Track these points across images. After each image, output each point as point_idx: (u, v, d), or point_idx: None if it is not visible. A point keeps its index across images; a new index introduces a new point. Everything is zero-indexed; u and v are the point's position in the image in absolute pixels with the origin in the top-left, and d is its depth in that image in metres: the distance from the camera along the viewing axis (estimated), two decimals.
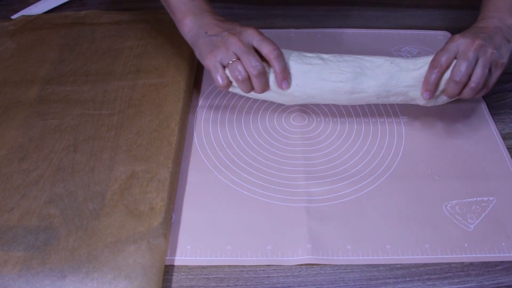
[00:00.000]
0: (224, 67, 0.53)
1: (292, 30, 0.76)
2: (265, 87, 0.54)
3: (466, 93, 0.52)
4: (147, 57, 0.67)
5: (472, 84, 0.51)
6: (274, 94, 0.55)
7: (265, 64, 0.53)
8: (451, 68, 0.52)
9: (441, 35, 0.75)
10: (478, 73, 0.50)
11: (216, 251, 0.47)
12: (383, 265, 0.46)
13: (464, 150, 0.56)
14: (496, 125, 0.60)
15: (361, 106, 0.63)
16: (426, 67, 0.53)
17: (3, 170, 0.52)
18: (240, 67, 0.52)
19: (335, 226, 0.49)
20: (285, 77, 0.53)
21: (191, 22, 0.56)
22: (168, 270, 0.46)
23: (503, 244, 0.47)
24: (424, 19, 0.79)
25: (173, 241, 0.47)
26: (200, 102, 0.63)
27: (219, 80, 0.53)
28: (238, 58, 0.52)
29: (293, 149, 0.57)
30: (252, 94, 0.56)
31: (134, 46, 0.69)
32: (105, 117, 0.58)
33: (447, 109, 0.61)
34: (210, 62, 0.54)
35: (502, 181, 0.53)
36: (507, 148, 0.57)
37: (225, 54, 0.53)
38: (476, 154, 0.56)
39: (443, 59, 0.51)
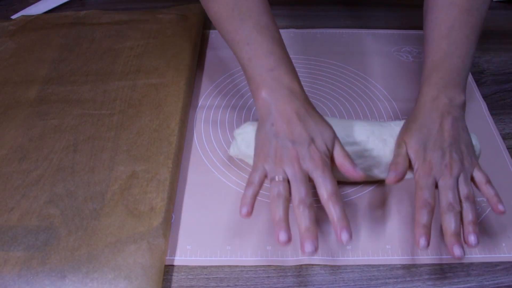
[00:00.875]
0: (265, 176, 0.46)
1: (292, 30, 0.76)
2: (312, 225, 0.42)
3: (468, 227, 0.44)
4: (147, 57, 0.67)
5: (469, 218, 0.44)
6: None
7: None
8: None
9: None
10: (466, 193, 0.45)
11: (216, 251, 0.47)
12: (383, 265, 0.46)
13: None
14: (496, 125, 0.60)
15: (360, 106, 0.63)
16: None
17: (3, 170, 0.52)
18: (282, 189, 0.44)
19: None
20: (344, 225, 0.42)
21: (264, 99, 0.48)
22: (168, 270, 0.46)
23: (503, 244, 0.47)
24: None
25: (173, 241, 0.47)
26: (200, 102, 0.63)
27: (254, 179, 0.46)
28: (287, 180, 0.45)
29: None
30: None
31: (134, 46, 0.69)
32: (105, 117, 0.58)
33: None
34: (257, 162, 0.47)
35: (502, 182, 0.53)
36: (507, 148, 0.57)
37: (274, 167, 0.45)
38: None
39: (429, 197, 0.45)
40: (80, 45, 0.70)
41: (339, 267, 0.46)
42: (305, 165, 0.45)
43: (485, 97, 0.64)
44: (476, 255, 0.46)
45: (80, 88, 0.62)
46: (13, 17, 0.78)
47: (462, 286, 0.45)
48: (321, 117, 0.48)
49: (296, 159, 0.45)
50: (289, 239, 0.42)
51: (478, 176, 0.47)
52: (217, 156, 0.56)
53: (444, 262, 0.46)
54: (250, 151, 0.50)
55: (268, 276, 0.45)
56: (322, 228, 0.49)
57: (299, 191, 0.44)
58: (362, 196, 0.52)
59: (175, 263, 0.46)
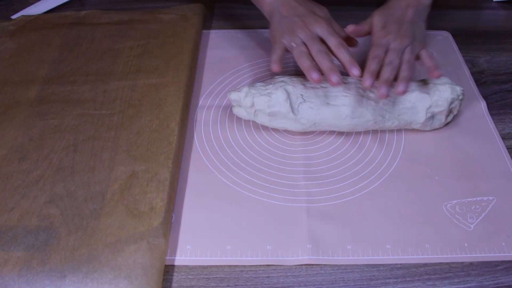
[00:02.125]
0: (286, 50, 0.57)
1: None
2: (331, 62, 0.54)
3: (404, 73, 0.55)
4: (147, 57, 0.67)
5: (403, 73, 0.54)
6: (285, 121, 0.56)
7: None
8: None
9: (441, 35, 0.75)
10: (407, 58, 0.55)
11: (216, 251, 0.47)
12: (383, 265, 0.46)
13: (464, 150, 0.56)
14: (496, 125, 0.60)
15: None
16: (417, 90, 0.56)
17: (3, 170, 0.52)
18: (303, 48, 0.55)
19: (335, 226, 0.49)
20: (354, 64, 0.53)
21: (269, 1, 0.61)
22: (168, 270, 0.46)
23: (503, 243, 0.47)
24: None
25: (173, 241, 0.47)
26: (200, 102, 0.63)
27: (277, 49, 0.57)
28: (304, 43, 0.56)
29: (293, 149, 0.57)
30: (265, 122, 0.58)
31: (134, 46, 0.69)
32: (105, 117, 0.58)
33: None
34: (275, 41, 0.58)
35: (502, 181, 0.53)
36: (507, 148, 0.57)
37: (290, 38, 0.56)
38: (476, 154, 0.56)
39: (380, 53, 0.55)
40: (80, 45, 0.70)
41: (339, 267, 0.46)
42: (313, 29, 0.57)
43: (485, 97, 0.64)
44: (476, 254, 0.46)
45: (80, 88, 0.62)
46: (13, 17, 0.78)
47: (462, 286, 0.45)
48: (316, 2, 0.62)
49: (305, 26, 0.57)
50: (320, 78, 0.53)
51: (423, 53, 0.58)
52: (217, 156, 0.56)
53: (444, 262, 0.46)
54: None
55: (268, 276, 0.45)
56: (322, 228, 0.49)
57: (315, 46, 0.55)
58: (362, 195, 0.52)
59: (175, 263, 0.46)
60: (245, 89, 0.56)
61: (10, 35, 0.72)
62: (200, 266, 0.46)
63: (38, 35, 0.72)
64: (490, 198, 0.51)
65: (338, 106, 0.55)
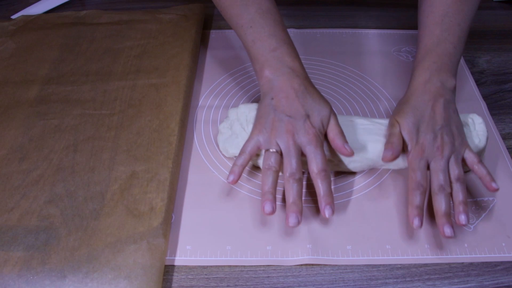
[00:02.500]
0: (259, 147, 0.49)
1: (292, 30, 0.76)
2: (298, 199, 0.46)
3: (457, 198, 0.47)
4: (147, 57, 0.67)
5: (459, 196, 0.47)
6: None
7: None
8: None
9: None
10: (456, 174, 0.47)
11: (216, 251, 0.47)
12: (383, 265, 0.46)
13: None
14: (496, 125, 0.60)
15: (360, 106, 0.63)
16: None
17: (3, 170, 0.52)
18: (274, 161, 0.47)
19: (335, 226, 0.49)
20: (328, 202, 0.46)
21: (267, 77, 0.51)
22: (168, 270, 0.46)
23: (503, 244, 0.47)
24: None
25: (173, 241, 0.47)
26: (200, 102, 0.63)
27: (246, 148, 0.49)
28: (280, 152, 0.48)
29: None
30: None
31: (134, 46, 0.69)
32: (105, 117, 0.58)
33: None
34: (253, 133, 0.50)
35: (502, 181, 0.53)
36: (507, 148, 0.57)
37: (268, 139, 0.49)
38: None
39: (421, 179, 0.47)
40: (80, 45, 0.70)
41: (339, 267, 0.46)
42: (299, 139, 0.48)
43: (485, 97, 0.64)
44: (476, 255, 0.46)
45: (80, 88, 0.62)
46: (13, 17, 0.78)
47: (462, 286, 0.45)
48: (319, 95, 0.51)
49: (291, 133, 0.48)
50: (273, 211, 0.45)
51: (469, 156, 0.49)
52: (217, 156, 0.56)
53: (444, 262, 0.46)
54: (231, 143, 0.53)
55: (268, 276, 0.45)
56: (322, 228, 0.49)
57: (290, 164, 0.47)
58: (362, 196, 0.52)
59: (175, 263, 0.46)
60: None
61: (10, 35, 0.72)
62: (200, 266, 0.46)
63: (38, 35, 0.72)
64: (490, 198, 0.51)
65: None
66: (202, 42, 0.73)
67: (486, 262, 0.46)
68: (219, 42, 0.74)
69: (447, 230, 0.45)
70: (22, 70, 0.65)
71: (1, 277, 0.43)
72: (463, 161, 0.49)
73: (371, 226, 0.49)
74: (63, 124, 0.57)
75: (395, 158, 0.48)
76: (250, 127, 0.53)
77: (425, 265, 0.46)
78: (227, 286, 0.45)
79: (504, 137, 0.58)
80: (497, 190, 0.48)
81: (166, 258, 0.46)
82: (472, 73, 0.68)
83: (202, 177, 0.54)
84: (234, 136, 0.54)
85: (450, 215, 0.46)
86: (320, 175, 0.47)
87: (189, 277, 0.45)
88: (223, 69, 0.68)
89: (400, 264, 0.46)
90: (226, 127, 0.55)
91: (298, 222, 0.45)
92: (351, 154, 0.49)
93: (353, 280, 0.45)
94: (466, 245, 0.47)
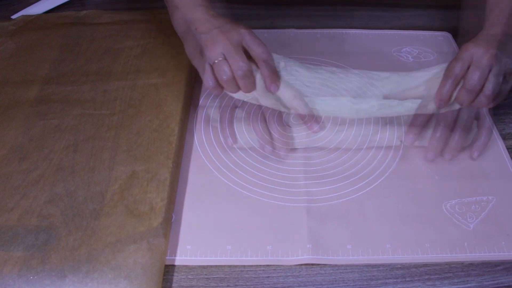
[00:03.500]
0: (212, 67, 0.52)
1: (292, 30, 0.76)
2: (251, 87, 0.52)
3: (480, 101, 0.51)
4: (147, 57, 0.67)
5: (486, 92, 0.50)
6: (269, 100, 0.54)
7: (253, 65, 0.52)
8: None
9: (441, 36, 0.75)
10: (492, 82, 0.50)
11: (216, 251, 0.47)
12: (383, 265, 0.46)
13: (464, 149, 0.56)
14: (496, 125, 0.60)
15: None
16: (433, 75, 0.54)
17: (3, 170, 0.52)
18: (225, 67, 0.51)
19: (335, 225, 0.49)
20: (274, 80, 0.52)
21: (182, 16, 0.55)
22: (168, 270, 0.46)
23: (503, 243, 0.47)
24: (424, 19, 0.79)
25: (173, 241, 0.47)
26: (200, 102, 0.63)
27: (208, 81, 0.52)
28: (225, 58, 0.51)
29: (293, 149, 0.57)
30: (250, 98, 0.55)
31: (134, 46, 0.69)
32: (105, 117, 0.58)
33: None
34: (198, 62, 0.53)
35: (502, 180, 0.53)
36: (507, 148, 0.57)
37: (211, 54, 0.51)
38: None
39: (457, 68, 0.51)
40: (80, 45, 0.70)
41: (339, 267, 0.46)
42: (234, 38, 0.51)
43: None
44: (476, 254, 0.46)
45: (80, 88, 0.62)
46: (13, 17, 0.77)
47: (462, 286, 0.45)
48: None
49: (224, 35, 0.51)
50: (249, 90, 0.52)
51: (484, 119, 0.54)
52: (217, 156, 0.56)
53: (443, 262, 0.46)
54: None
55: (268, 276, 0.45)
56: (322, 228, 0.49)
57: (236, 64, 0.50)
58: (362, 195, 0.52)
59: (175, 263, 0.46)
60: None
61: (10, 35, 0.72)
62: (200, 266, 0.46)
63: (38, 35, 0.72)
64: (490, 197, 0.51)
65: (339, 89, 0.55)
66: None
67: (486, 262, 0.46)
68: None
69: (447, 156, 0.52)
70: (22, 70, 0.65)
71: (1, 277, 0.43)
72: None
73: (371, 225, 0.49)
74: (63, 124, 0.57)
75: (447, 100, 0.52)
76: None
77: (425, 265, 0.46)
78: (227, 286, 0.45)
79: (504, 137, 0.58)
80: (473, 159, 0.53)
81: (166, 258, 0.46)
82: None
83: (202, 177, 0.54)
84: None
85: (474, 93, 0.49)
86: (261, 57, 0.51)
87: (189, 277, 0.45)
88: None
89: (400, 264, 0.46)
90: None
91: (254, 87, 0.52)
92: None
93: (353, 280, 0.45)
94: (465, 244, 0.47)
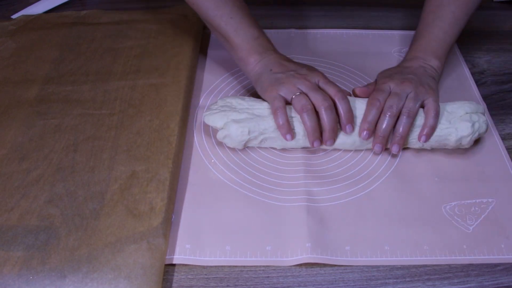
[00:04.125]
0: (286, 102, 0.53)
1: (292, 30, 0.76)
2: (335, 121, 0.52)
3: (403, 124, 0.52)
4: (147, 57, 0.67)
5: (405, 115, 0.52)
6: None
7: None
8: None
9: None
10: (410, 106, 0.52)
11: (216, 251, 0.47)
12: (383, 265, 0.46)
13: (464, 151, 0.56)
14: (496, 125, 0.60)
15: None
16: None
17: (3, 170, 0.52)
18: (305, 100, 0.51)
19: (335, 226, 0.49)
20: (350, 120, 0.52)
21: (256, 61, 0.56)
22: (168, 270, 0.46)
23: (502, 245, 0.47)
24: None
25: (173, 241, 0.47)
26: (200, 102, 0.63)
27: (275, 104, 0.52)
28: (304, 93, 0.52)
29: (293, 149, 0.57)
30: (286, 144, 0.55)
31: (134, 46, 0.69)
32: (105, 117, 0.58)
33: None
34: (271, 94, 0.53)
35: (502, 183, 0.53)
36: (507, 149, 0.57)
37: (289, 90, 0.52)
38: (475, 155, 0.56)
39: (381, 98, 0.53)
40: (80, 45, 0.70)
41: (338, 267, 0.46)
42: (312, 79, 0.53)
43: (485, 97, 0.64)
44: (475, 256, 0.46)
45: (80, 88, 0.62)
46: (13, 16, 0.78)
47: (462, 286, 0.45)
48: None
49: (303, 77, 0.53)
50: (320, 144, 0.53)
51: (430, 104, 0.53)
52: (217, 156, 0.56)
53: (443, 263, 0.46)
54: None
55: (268, 276, 0.45)
56: (322, 229, 0.49)
57: (317, 97, 0.52)
58: (362, 196, 0.52)
59: (175, 262, 0.46)
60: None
61: (11, 34, 0.72)
62: (199, 266, 0.46)
63: (38, 35, 0.72)
64: (490, 200, 0.51)
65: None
66: (202, 42, 0.73)
67: (485, 262, 0.46)
68: (219, 42, 0.74)
69: (377, 148, 0.53)
70: (22, 70, 0.65)
71: (1, 277, 0.43)
72: (423, 107, 0.54)
73: (370, 227, 0.49)
74: (63, 124, 0.57)
75: (363, 92, 0.56)
76: (248, 99, 0.56)
77: (425, 265, 0.46)
78: (227, 286, 0.45)
79: (504, 137, 0.58)
80: (424, 141, 0.53)
81: (166, 258, 0.46)
82: (472, 74, 0.68)
83: (202, 177, 0.54)
84: (227, 109, 0.55)
85: (386, 138, 0.53)
86: (337, 95, 0.52)
87: (189, 277, 0.45)
88: (223, 69, 0.68)
89: (400, 265, 0.46)
90: (218, 106, 0.56)
91: (333, 143, 0.53)
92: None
93: (353, 280, 0.45)
94: (465, 246, 0.47)
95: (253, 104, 0.56)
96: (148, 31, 0.72)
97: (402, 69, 0.58)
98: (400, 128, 0.52)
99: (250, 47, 0.57)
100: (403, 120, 0.52)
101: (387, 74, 0.57)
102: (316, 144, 0.52)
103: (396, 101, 0.52)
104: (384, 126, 0.52)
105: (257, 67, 0.56)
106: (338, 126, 0.53)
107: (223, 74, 0.68)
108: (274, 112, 0.52)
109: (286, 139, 0.53)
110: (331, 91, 0.53)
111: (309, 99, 0.52)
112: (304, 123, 0.52)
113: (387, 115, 0.52)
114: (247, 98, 0.57)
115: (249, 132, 0.53)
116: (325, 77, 0.54)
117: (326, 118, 0.51)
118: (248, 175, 0.54)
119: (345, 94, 0.53)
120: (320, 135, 0.52)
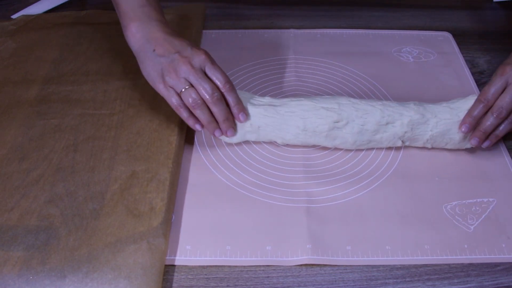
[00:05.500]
0: (177, 93, 0.52)
1: (292, 30, 0.76)
2: (226, 112, 0.52)
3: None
4: None
5: None
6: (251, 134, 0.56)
7: None
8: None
9: (442, 36, 0.75)
10: None
11: (216, 251, 0.47)
12: (383, 265, 0.46)
13: (464, 151, 0.56)
14: None
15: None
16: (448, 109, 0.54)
17: (3, 170, 0.52)
18: (194, 95, 0.50)
19: (335, 226, 0.49)
20: (240, 109, 0.53)
21: (138, 31, 0.53)
22: (168, 270, 0.46)
23: (503, 245, 0.47)
24: (424, 19, 0.79)
25: (173, 241, 0.47)
26: None
27: (174, 102, 0.51)
28: (191, 85, 0.51)
29: (293, 149, 0.57)
30: (227, 138, 0.55)
31: None
32: (105, 117, 0.58)
33: None
34: (162, 89, 0.52)
35: (502, 182, 0.53)
36: (507, 149, 0.57)
37: (176, 81, 0.51)
38: (476, 155, 0.56)
39: (490, 95, 0.51)
40: (80, 45, 0.70)
41: (338, 267, 0.46)
42: (196, 63, 0.51)
43: None
44: (476, 256, 0.46)
45: (80, 88, 0.62)
46: (14, 16, 0.78)
47: (462, 286, 0.45)
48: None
49: (187, 62, 0.51)
50: (232, 134, 0.54)
51: None
52: (217, 156, 0.56)
53: (443, 262, 0.46)
54: None
55: (268, 276, 0.45)
56: (322, 229, 0.49)
57: (205, 90, 0.50)
58: (362, 196, 0.52)
59: (175, 263, 0.46)
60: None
61: (11, 34, 0.72)
62: (200, 266, 0.46)
63: (38, 35, 0.72)
64: (491, 199, 0.51)
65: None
66: (202, 42, 0.73)
67: (485, 262, 0.46)
68: (219, 42, 0.74)
69: (473, 141, 0.52)
70: (22, 70, 0.65)
71: (1, 277, 0.43)
72: None
73: (371, 226, 0.49)
74: (63, 124, 0.57)
75: (469, 130, 0.53)
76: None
77: (425, 265, 0.46)
78: (227, 286, 0.45)
79: (504, 137, 0.58)
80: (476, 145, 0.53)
81: (166, 258, 0.46)
82: (473, 73, 0.68)
83: (202, 177, 0.54)
84: None
85: (486, 134, 0.52)
86: (225, 88, 0.51)
87: (189, 277, 0.45)
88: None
89: (400, 265, 0.46)
90: None
91: (235, 132, 0.54)
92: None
93: (353, 280, 0.45)
94: (466, 246, 0.47)
95: (249, 96, 0.57)
96: None
97: None
98: (500, 131, 0.52)
99: (134, 14, 0.54)
100: (507, 124, 0.52)
101: (508, 62, 0.53)
102: (217, 133, 0.53)
103: (508, 102, 0.51)
104: (488, 123, 0.52)
105: (139, 41, 0.53)
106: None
107: None
108: (176, 109, 0.52)
109: (195, 129, 0.53)
110: (218, 81, 0.51)
111: (197, 92, 0.51)
112: (198, 117, 0.52)
113: (495, 116, 0.51)
114: (245, 92, 0.58)
115: None
116: (210, 59, 0.52)
117: (216, 111, 0.51)
118: (248, 175, 0.54)
119: (230, 83, 0.52)
120: (218, 126, 0.53)
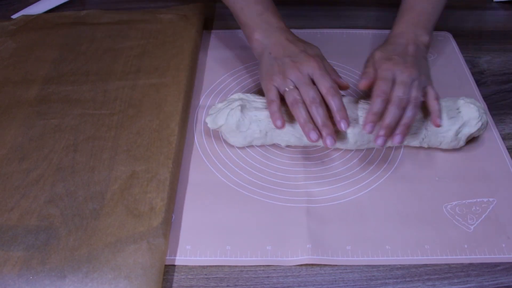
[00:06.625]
0: (279, 92, 0.53)
1: (292, 30, 0.76)
2: (325, 117, 0.50)
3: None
4: (147, 57, 0.67)
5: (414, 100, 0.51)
6: (295, 138, 0.55)
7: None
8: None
9: (441, 35, 0.75)
10: (417, 95, 0.51)
11: (216, 251, 0.47)
12: (383, 265, 0.46)
13: (464, 150, 0.56)
14: (496, 125, 0.60)
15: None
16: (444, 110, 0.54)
17: (3, 170, 0.52)
18: (296, 94, 0.51)
19: (335, 226, 0.49)
20: (343, 116, 0.50)
21: (259, 39, 0.58)
22: (168, 270, 0.46)
23: (503, 245, 0.47)
24: None
25: (173, 241, 0.47)
26: (200, 102, 0.63)
27: (270, 96, 0.53)
28: (296, 87, 0.52)
29: (293, 149, 0.57)
30: (272, 139, 0.56)
31: (134, 46, 0.69)
32: (105, 117, 0.58)
33: None
34: (267, 85, 0.54)
35: (502, 182, 0.53)
36: (507, 149, 0.57)
37: (282, 81, 0.53)
38: (476, 154, 0.56)
39: (386, 88, 0.51)
40: (80, 45, 0.70)
41: (339, 267, 0.46)
42: (304, 70, 0.53)
43: (485, 97, 0.64)
44: (476, 256, 0.46)
45: (80, 88, 0.62)
46: (13, 16, 0.78)
47: (462, 286, 0.45)
48: (308, 42, 0.58)
49: (296, 67, 0.53)
50: (318, 137, 0.50)
51: (430, 91, 0.53)
52: (217, 156, 0.56)
53: (443, 262, 0.46)
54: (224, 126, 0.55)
55: (268, 276, 0.45)
56: (322, 229, 0.49)
57: (307, 93, 0.51)
58: (362, 196, 0.52)
59: (175, 263, 0.46)
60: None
61: (11, 34, 0.72)
62: (200, 266, 0.46)
63: (38, 35, 0.72)
64: (491, 199, 0.51)
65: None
66: (202, 42, 0.73)
67: (485, 262, 0.46)
68: (219, 42, 0.74)
69: (379, 141, 0.49)
70: (22, 70, 0.65)
71: (1, 277, 0.43)
72: (424, 96, 0.53)
73: (371, 226, 0.49)
74: (63, 124, 0.57)
75: (369, 84, 0.53)
76: (248, 95, 0.58)
77: (425, 265, 0.46)
78: (227, 286, 0.45)
79: (504, 137, 0.58)
80: (440, 126, 0.51)
81: (166, 258, 0.46)
82: (473, 73, 0.68)
83: (202, 177, 0.54)
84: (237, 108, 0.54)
85: (391, 129, 0.50)
86: (329, 92, 0.51)
87: (189, 277, 0.45)
88: (223, 69, 0.68)
89: (400, 265, 0.46)
90: (224, 105, 0.56)
91: (335, 141, 0.50)
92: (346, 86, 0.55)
93: (353, 280, 0.45)
94: (466, 246, 0.47)
95: (253, 98, 0.57)
96: (148, 31, 0.72)
97: (399, 48, 0.55)
98: (407, 118, 0.50)
99: (254, 24, 0.58)
100: (411, 109, 0.50)
101: (386, 56, 0.54)
102: (312, 136, 0.50)
103: (404, 91, 0.50)
104: (391, 117, 0.49)
105: (259, 46, 0.58)
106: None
107: (223, 74, 0.68)
108: (269, 103, 0.53)
109: (276, 125, 0.51)
110: (323, 87, 0.51)
111: (300, 94, 0.52)
112: (295, 115, 0.51)
113: (396, 106, 0.50)
114: (248, 94, 0.58)
115: (241, 108, 0.54)
116: (320, 68, 0.52)
117: (315, 114, 0.50)
118: (248, 175, 0.54)
119: (337, 90, 0.51)
120: (315, 128, 0.50)
